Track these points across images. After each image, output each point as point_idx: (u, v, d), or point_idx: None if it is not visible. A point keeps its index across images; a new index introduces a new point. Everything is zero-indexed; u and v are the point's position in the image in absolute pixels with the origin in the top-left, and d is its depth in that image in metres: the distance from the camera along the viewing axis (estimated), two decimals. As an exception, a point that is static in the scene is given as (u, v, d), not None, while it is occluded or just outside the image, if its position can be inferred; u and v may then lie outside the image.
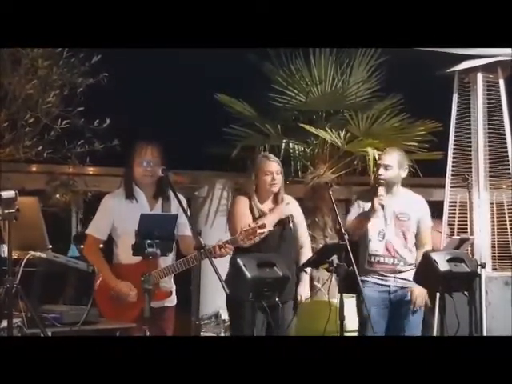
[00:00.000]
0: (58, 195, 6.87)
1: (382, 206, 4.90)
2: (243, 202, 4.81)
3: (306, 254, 4.84)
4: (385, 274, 4.94)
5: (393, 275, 4.94)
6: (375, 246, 4.96)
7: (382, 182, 4.91)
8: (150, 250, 3.86)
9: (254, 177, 4.80)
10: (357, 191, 5.28)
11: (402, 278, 4.95)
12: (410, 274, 4.96)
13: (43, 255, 3.97)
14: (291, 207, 4.87)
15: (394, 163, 4.97)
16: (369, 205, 4.95)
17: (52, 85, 6.18)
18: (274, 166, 4.79)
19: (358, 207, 5.03)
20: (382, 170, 4.95)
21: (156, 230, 3.90)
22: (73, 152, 6.30)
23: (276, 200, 4.82)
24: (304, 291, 4.87)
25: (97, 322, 4.10)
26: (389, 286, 4.94)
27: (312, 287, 6.67)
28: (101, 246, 4.56)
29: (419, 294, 4.91)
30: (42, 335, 3.71)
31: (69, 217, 7.95)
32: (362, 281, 4.84)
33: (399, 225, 4.98)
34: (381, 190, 4.88)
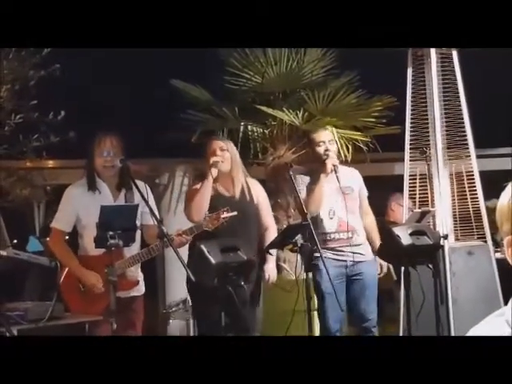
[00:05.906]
0: (17, 190, 6.76)
1: (335, 168, 4.92)
2: (201, 186, 4.79)
3: (271, 236, 4.84)
4: (341, 250, 4.97)
5: (349, 249, 4.97)
6: (328, 225, 4.96)
7: (332, 155, 4.97)
8: (112, 241, 3.85)
9: (207, 160, 4.80)
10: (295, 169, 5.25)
11: (358, 253, 4.98)
12: (365, 247, 5.01)
13: (3, 253, 3.93)
14: (254, 190, 4.86)
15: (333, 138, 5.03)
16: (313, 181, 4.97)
17: (3, 79, 6.06)
18: (217, 143, 4.80)
19: (303, 183, 5.02)
20: (329, 146, 4.98)
21: (117, 221, 3.88)
22: (28, 146, 6.19)
23: (232, 181, 4.80)
24: (272, 272, 4.87)
25: (63, 317, 4.06)
26: (345, 260, 4.97)
27: (278, 268, 6.71)
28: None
29: None
30: (7, 334, 3.66)
31: (31, 211, 7.84)
32: (317, 257, 4.78)
33: (346, 198, 4.99)
34: (331, 155, 4.94)
